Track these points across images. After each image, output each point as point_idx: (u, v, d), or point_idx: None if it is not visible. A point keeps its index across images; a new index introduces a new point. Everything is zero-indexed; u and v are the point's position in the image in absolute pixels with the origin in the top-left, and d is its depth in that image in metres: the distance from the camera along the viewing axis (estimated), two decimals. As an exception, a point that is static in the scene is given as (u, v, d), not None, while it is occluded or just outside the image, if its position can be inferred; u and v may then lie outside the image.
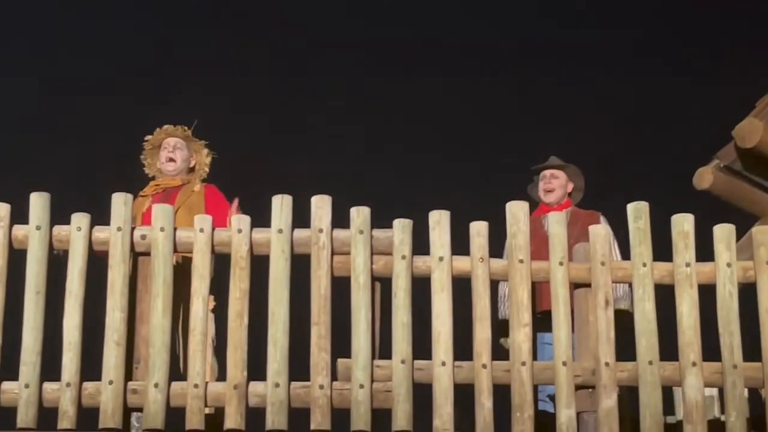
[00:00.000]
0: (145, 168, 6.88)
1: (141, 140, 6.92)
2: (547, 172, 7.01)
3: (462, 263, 5.26)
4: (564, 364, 5.16)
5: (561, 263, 5.26)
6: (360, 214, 5.30)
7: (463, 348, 5.25)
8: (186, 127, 6.84)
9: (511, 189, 6.79)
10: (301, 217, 5.32)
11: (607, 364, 5.17)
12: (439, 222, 5.28)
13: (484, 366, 5.15)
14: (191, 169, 6.81)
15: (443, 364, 5.13)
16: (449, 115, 10.10)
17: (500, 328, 6.20)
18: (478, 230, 5.29)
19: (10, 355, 5.08)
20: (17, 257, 5.19)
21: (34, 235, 5.18)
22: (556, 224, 5.33)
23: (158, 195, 6.54)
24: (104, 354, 5.10)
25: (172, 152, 6.74)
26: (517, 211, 5.34)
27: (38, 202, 5.22)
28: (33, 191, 5.26)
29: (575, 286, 5.33)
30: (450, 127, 10.06)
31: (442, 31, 10.42)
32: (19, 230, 5.20)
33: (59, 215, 5.28)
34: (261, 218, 5.35)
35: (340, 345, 5.19)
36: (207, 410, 5.12)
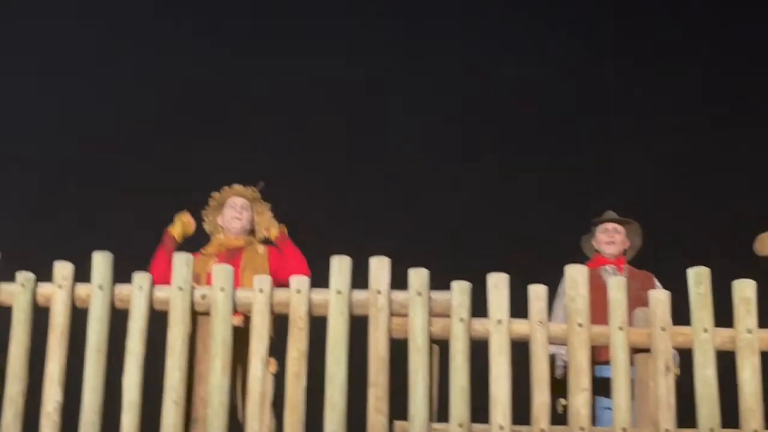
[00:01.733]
0: (204, 223, 6.92)
1: (197, 198, 6.98)
2: (610, 225, 6.98)
3: (520, 326, 5.24)
4: (623, 430, 5.11)
5: (621, 328, 5.23)
6: (418, 276, 5.31)
7: (520, 412, 5.23)
8: (255, 189, 6.89)
9: (565, 250, 6.77)
10: (359, 279, 5.34)
11: (667, 430, 5.12)
12: (497, 285, 5.28)
13: (543, 431, 5.12)
14: (251, 230, 6.85)
15: (501, 428, 5.10)
16: (506, 179, 10.10)
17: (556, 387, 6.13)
18: (537, 293, 5.27)
19: (70, 414, 5.12)
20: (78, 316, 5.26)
21: (96, 294, 5.24)
22: (616, 289, 5.30)
23: (222, 254, 6.56)
24: (162, 413, 5.12)
25: (240, 212, 6.78)
26: (575, 275, 5.32)
27: (101, 262, 5.29)
28: (95, 250, 5.33)
29: (635, 350, 5.30)
30: (507, 190, 10.04)
31: (502, 89, 10.44)
32: (81, 289, 5.27)
33: (119, 275, 5.35)
34: (320, 279, 5.38)
35: (398, 407, 5.18)
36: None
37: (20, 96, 9.81)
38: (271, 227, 6.73)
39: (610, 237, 6.96)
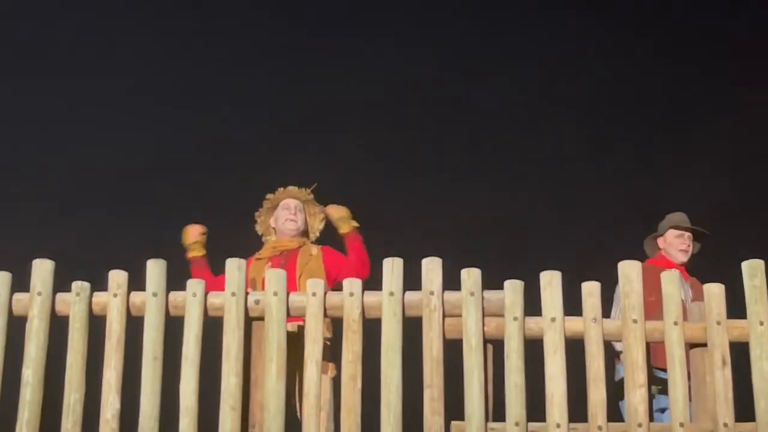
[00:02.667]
0: (257, 225, 6.94)
1: (253, 203, 7.00)
2: (687, 234, 6.91)
3: (575, 324, 5.22)
4: (681, 425, 5.08)
5: (676, 323, 5.20)
6: (470, 276, 5.30)
7: (577, 410, 5.21)
8: (309, 191, 6.90)
9: (619, 248, 6.73)
10: (412, 280, 5.34)
11: (725, 425, 5.08)
12: (551, 282, 5.26)
13: (600, 428, 5.09)
14: (305, 233, 6.86)
15: (558, 426, 5.09)
16: (559, 176, 10.06)
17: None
18: (591, 291, 5.25)
19: (128, 422, 5.15)
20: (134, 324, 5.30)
21: (151, 302, 5.28)
22: (670, 284, 5.27)
23: (276, 258, 6.57)
24: (220, 419, 5.14)
25: (294, 214, 6.79)
26: (629, 271, 5.30)
27: (155, 269, 5.32)
28: (149, 258, 5.37)
29: (691, 346, 5.26)
30: (560, 187, 10.01)
31: (563, 100, 10.41)
32: (136, 297, 5.31)
33: (173, 281, 5.39)
34: (372, 281, 5.39)
35: (454, 408, 5.18)
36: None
37: (70, 108, 9.90)
38: (342, 223, 6.68)
39: (686, 244, 6.88)
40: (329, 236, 6.83)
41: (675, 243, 6.89)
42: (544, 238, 9.39)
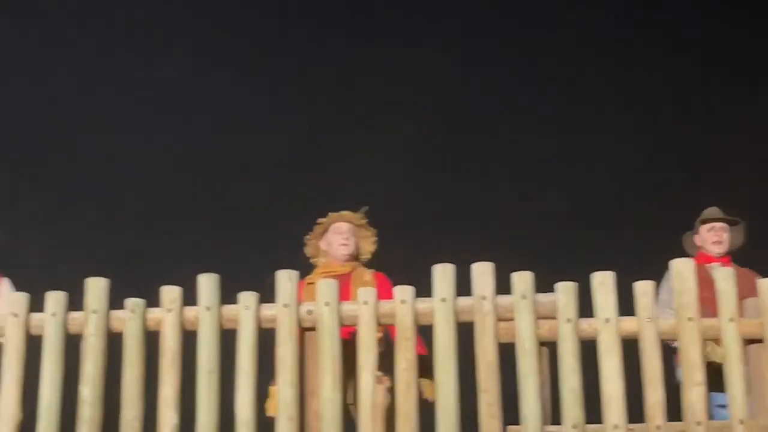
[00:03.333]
0: (306, 248, 6.96)
1: (305, 221, 7.02)
2: (718, 225, 6.90)
3: (629, 324, 5.20)
4: (741, 422, 5.05)
5: (732, 320, 5.17)
6: (522, 280, 5.30)
7: (634, 410, 5.18)
8: (362, 215, 6.91)
9: (668, 247, 6.71)
10: (462, 285, 5.34)
11: (785, 420, 5.05)
12: (603, 283, 5.24)
13: (658, 428, 5.07)
14: (356, 258, 6.87)
15: (616, 427, 5.07)
16: (606, 177, 10.02)
17: None
18: (644, 290, 5.23)
19: (186, 436, 5.19)
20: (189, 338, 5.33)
21: (204, 316, 5.30)
22: (724, 281, 5.25)
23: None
24: (276, 430, 5.16)
25: (347, 238, 6.81)
26: (683, 269, 5.27)
27: (207, 284, 5.35)
28: (200, 273, 5.39)
29: (747, 342, 5.23)
30: (608, 188, 9.96)
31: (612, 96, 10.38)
32: (189, 312, 5.34)
33: (225, 295, 5.41)
34: (423, 288, 5.39)
35: (510, 412, 5.17)
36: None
37: (121, 125, 9.97)
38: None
39: (718, 236, 6.87)
40: (379, 261, 6.85)
41: (708, 237, 6.90)
42: (591, 239, 9.35)
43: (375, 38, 10.35)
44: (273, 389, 5.92)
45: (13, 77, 9.85)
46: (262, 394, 5.27)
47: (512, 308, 5.26)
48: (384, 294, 6.45)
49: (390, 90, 10.01)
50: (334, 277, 6.65)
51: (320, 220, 6.96)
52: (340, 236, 6.82)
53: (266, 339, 5.32)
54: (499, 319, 5.26)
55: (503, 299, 5.28)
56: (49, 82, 9.90)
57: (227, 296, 5.38)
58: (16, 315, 5.34)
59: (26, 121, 9.83)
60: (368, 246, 6.89)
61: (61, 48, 9.97)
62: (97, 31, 10.09)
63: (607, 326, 5.18)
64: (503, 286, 5.31)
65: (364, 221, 6.91)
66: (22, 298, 5.40)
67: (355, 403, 5.57)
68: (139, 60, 10.02)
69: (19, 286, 6.22)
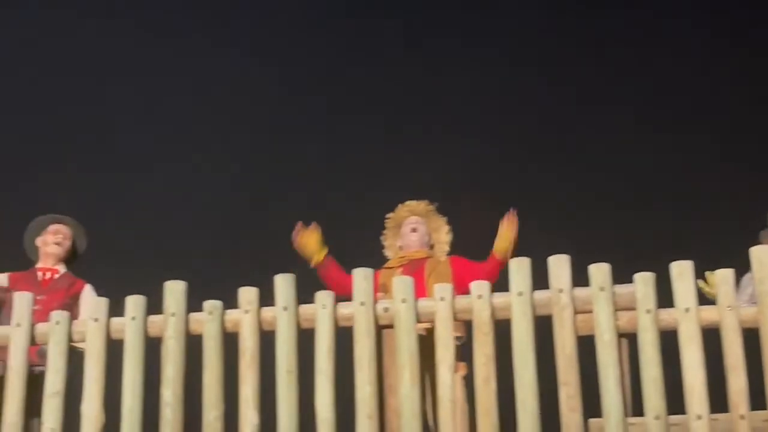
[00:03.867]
0: (385, 249, 6.98)
1: (371, 218, 7.04)
2: None
3: (709, 313, 5.14)
4: (827, 410, 4.98)
5: (813, 306, 5.09)
6: (599, 271, 5.25)
7: (716, 400, 5.12)
8: (428, 202, 6.93)
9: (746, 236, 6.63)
10: (538, 279, 5.31)
11: None
12: (682, 273, 5.18)
13: (742, 417, 5.00)
14: (431, 246, 6.88)
15: (699, 417, 5.01)
16: (680, 167, 9.94)
17: None
18: (725, 278, 5.17)
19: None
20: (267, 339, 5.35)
21: (281, 316, 5.33)
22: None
23: (406, 267, 6.62)
24: (357, 428, 5.16)
25: (415, 228, 6.83)
26: (762, 257, 5.20)
27: (283, 284, 5.38)
28: (277, 274, 5.42)
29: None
30: (683, 178, 9.89)
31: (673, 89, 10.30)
32: (267, 312, 5.36)
33: (302, 294, 5.43)
34: (499, 282, 5.37)
35: (591, 405, 5.13)
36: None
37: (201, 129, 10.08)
38: (501, 249, 6.61)
39: None
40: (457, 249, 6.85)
41: None
42: (667, 229, 9.29)
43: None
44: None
45: (90, 92, 9.99)
46: (340, 393, 5.27)
47: (590, 300, 5.21)
48: (465, 273, 6.48)
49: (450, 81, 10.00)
50: (409, 262, 6.68)
51: (389, 215, 6.98)
52: (408, 226, 6.85)
53: (344, 337, 5.33)
54: (577, 312, 5.22)
55: (581, 291, 5.24)
56: (124, 97, 10.02)
57: (304, 296, 5.40)
58: (96, 320, 5.41)
59: (105, 129, 9.96)
60: (443, 236, 6.89)
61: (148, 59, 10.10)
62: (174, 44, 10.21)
63: (687, 316, 5.12)
64: (579, 279, 5.28)
65: (431, 209, 6.91)
66: (102, 303, 5.46)
67: (433, 400, 5.57)
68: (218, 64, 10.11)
69: (99, 291, 6.29)
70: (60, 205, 7.21)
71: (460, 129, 9.95)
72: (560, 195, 9.72)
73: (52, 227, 6.97)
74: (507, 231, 6.63)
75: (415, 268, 6.56)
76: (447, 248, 6.88)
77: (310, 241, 6.77)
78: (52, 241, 6.91)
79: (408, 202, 6.98)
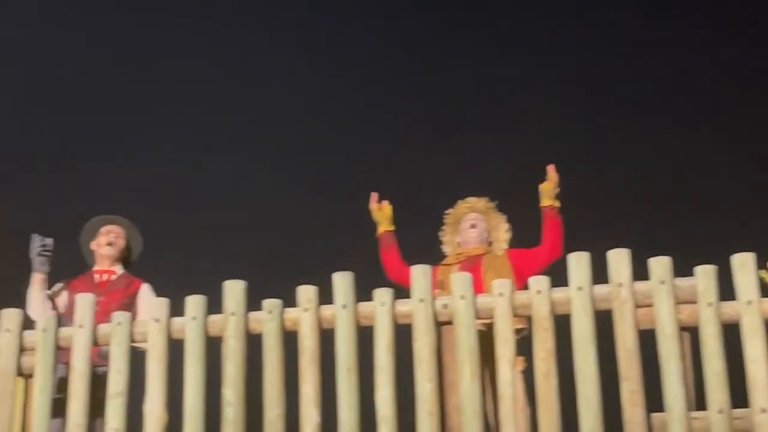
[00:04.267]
0: (443, 245, 6.97)
1: (428, 214, 7.04)
2: None
3: (772, 305, 5.09)
4: None
5: None
6: (659, 265, 5.21)
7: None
8: (488, 200, 6.92)
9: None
10: (597, 273, 5.28)
11: None
12: (744, 265, 5.13)
13: (807, 410, 4.95)
14: (489, 243, 6.87)
15: (763, 411, 4.95)
16: (738, 159, 9.86)
17: None
18: (788, 269, 5.12)
19: (328, 433, 5.23)
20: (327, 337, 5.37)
21: (340, 314, 5.33)
22: None
23: (463, 263, 6.62)
24: (417, 425, 5.16)
25: (474, 224, 6.83)
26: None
27: (342, 282, 5.38)
28: (336, 272, 5.42)
29: None
30: (742, 170, 9.81)
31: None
32: (326, 310, 5.37)
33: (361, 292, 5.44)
34: (559, 278, 5.35)
35: (653, 399, 5.10)
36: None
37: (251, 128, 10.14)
38: (545, 195, 6.65)
39: None
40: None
41: None
42: (725, 219, 9.21)
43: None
44: None
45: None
46: (400, 391, 5.27)
47: (651, 294, 5.18)
48: (524, 264, 6.47)
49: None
50: (466, 258, 6.66)
51: (448, 211, 6.98)
52: (468, 222, 6.85)
53: (403, 334, 5.33)
54: (638, 306, 5.19)
55: (641, 285, 5.20)
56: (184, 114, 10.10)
57: (363, 294, 5.41)
58: (157, 320, 5.45)
59: (161, 128, 10.04)
60: (502, 234, 6.87)
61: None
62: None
63: (749, 308, 5.07)
64: (639, 273, 5.25)
65: (491, 206, 6.91)
66: (163, 304, 5.50)
67: (492, 396, 5.56)
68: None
69: (159, 292, 6.32)
70: (117, 206, 7.25)
71: (518, 125, 9.92)
72: (619, 188, 9.66)
73: (104, 228, 6.99)
74: (551, 176, 6.65)
75: (472, 264, 6.55)
76: (505, 246, 6.86)
77: (381, 213, 6.82)
78: (104, 242, 6.93)
79: (468, 199, 6.97)
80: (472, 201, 6.95)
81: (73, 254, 6.94)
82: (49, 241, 6.52)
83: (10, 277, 7.10)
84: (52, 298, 6.55)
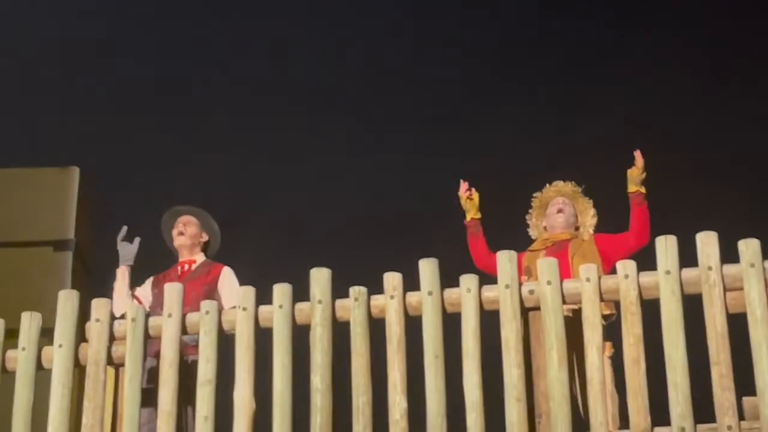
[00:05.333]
0: (529, 229, 6.95)
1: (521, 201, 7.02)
2: None
3: None
4: None
5: None
6: (749, 247, 5.14)
7: None
8: (575, 184, 6.89)
9: None
10: (686, 257, 5.22)
11: None
12: (836, 246, 5.05)
13: None
14: (576, 228, 6.83)
15: None
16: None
17: None
18: None
19: (416, 421, 5.22)
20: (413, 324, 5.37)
21: (427, 301, 5.33)
22: None
23: (549, 248, 6.59)
24: (506, 411, 5.15)
25: (563, 207, 6.80)
26: None
27: (428, 268, 5.38)
28: (421, 258, 5.42)
29: None
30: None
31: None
32: (412, 297, 5.37)
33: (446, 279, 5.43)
34: (646, 262, 5.30)
35: (743, 383, 5.03)
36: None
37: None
38: (631, 181, 6.61)
39: None
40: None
41: None
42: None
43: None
44: None
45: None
46: (488, 377, 5.26)
47: (740, 277, 5.11)
48: (612, 248, 6.42)
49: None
50: (553, 243, 6.63)
51: (535, 194, 6.96)
52: (555, 207, 6.81)
53: (491, 320, 5.31)
54: (727, 289, 5.12)
55: (730, 268, 5.14)
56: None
57: (448, 280, 5.40)
58: (245, 309, 5.49)
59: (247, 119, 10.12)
60: (588, 219, 6.83)
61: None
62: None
63: (842, 291, 4.99)
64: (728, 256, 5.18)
65: (578, 190, 6.87)
66: (249, 292, 5.54)
67: (579, 379, 5.53)
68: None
69: (245, 280, 6.36)
70: (196, 197, 7.32)
71: (607, 108, 9.86)
72: (707, 171, 9.55)
73: (176, 221, 7.06)
74: (638, 162, 6.58)
75: (558, 249, 6.51)
76: (592, 231, 6.81)
77: (470, 201, 6.82)
78: (175, 234, 7.01)
79: (556, 182, 6.94)
80: (559, 185, 6.92)
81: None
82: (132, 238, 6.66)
83: (101, 267, 7.22)
84: (134, 295, 6.66)
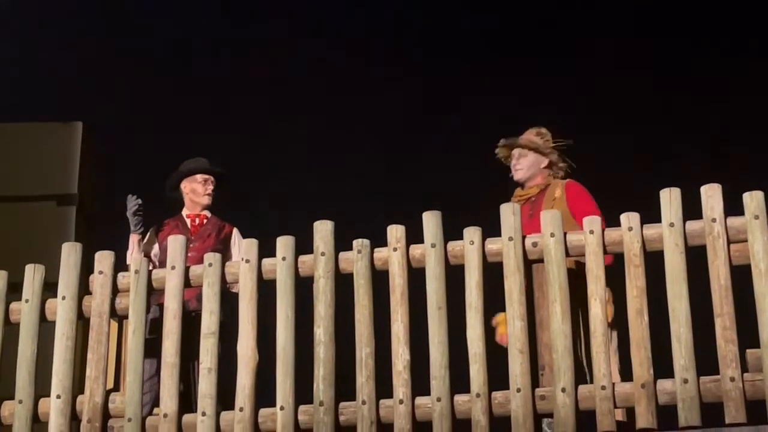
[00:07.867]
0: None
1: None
2: None
3: None
4: None
5: None
6: (754, 199, 5.12)
7: None
8: (538, 133, 6.61)
9: None
10: (690, 209, 5.21)
11: None
12: (840, 199, 5.03)
13: None
14: (548, 168, 6.59)
15: None
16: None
17: None
18: None
19: (419, 372, 5.23)
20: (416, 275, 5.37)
21: (430, 253, 5.33)
22: None
23: (524, 208, 6.17)
24: (509, 363, 5.15)
25: (516, 161, 6.59)
26: None
27: (431, 221, 5.37)
28: (425, 211, 5.41)
29: None
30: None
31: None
32: (415, 249, 5.37)
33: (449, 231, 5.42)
34: (649, 214, 5.28)
35: (746, 336, 5.03)
36: (617, 413, 5.09)
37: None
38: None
39: None
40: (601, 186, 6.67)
41: None
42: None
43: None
44: (501, 317, 5.88)
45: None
46: (491, 329, 5.26)
47: (744, 229, 5.10)
48: (578, 204, 6.25)
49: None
50: (527, 200, 6.43)
51: (496, 150, 6.70)
52: (511, 165, 6.59)
53: (494, 272, 5.30)
54: (732, 242, 5.11)
55: (734, 221, 5.12)
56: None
57: (452, 232, 5.39)
58: (248, 261, 5.49)
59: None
60: (555, 158, 6.50)
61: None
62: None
63: None
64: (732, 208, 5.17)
65: (528, 137, 6.57)
66: (253, 244, 5.53)
67: (583, 334, 5.52)
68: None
69: (250, 233, 6.35)
70: (207, 149, 7.30)
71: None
72: (713, 123, 9.51)
73: (201, 177, 7.02)
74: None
75: (534, 208, 6.25)
76: (563, 176, 6.54)
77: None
78: (203, 193, 6.98)
79: (501, 141, 6.67)
80: (500, 143, 6.64)
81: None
82: (140, 201, 6.65)
83: (104, 221, 7.21)
84: (147, 255, 6.65)
